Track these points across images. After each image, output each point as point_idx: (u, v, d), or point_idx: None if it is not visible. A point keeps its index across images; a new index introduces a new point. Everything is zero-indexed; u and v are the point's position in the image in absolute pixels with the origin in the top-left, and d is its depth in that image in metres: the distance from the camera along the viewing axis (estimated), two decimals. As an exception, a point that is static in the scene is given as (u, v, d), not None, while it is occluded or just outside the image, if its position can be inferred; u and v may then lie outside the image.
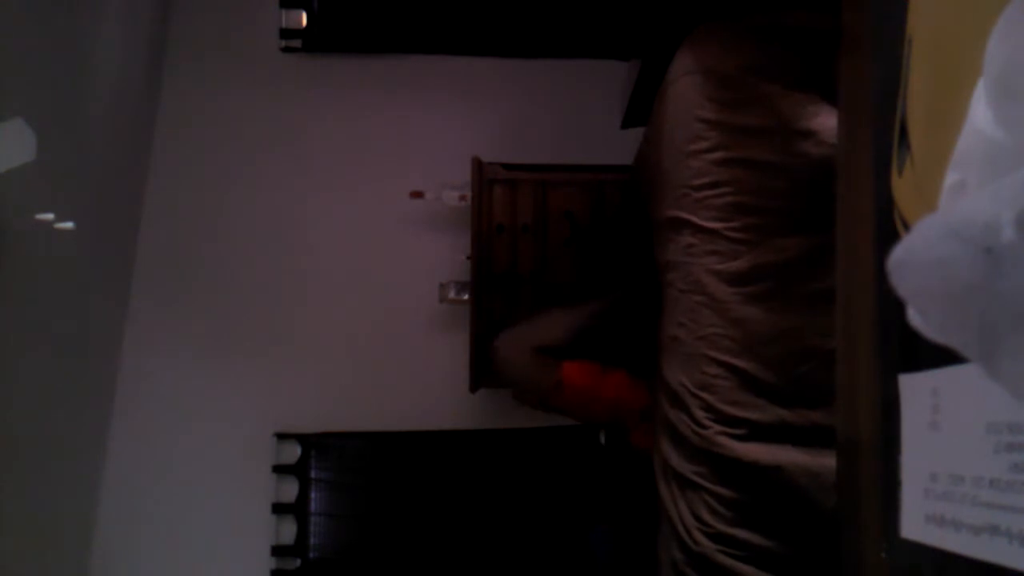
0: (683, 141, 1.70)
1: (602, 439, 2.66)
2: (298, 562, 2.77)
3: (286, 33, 3.00)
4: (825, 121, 1.52)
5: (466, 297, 2.69)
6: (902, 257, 0.40)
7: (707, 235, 1.61)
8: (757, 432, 1.48)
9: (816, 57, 1.54)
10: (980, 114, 0.40)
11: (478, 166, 2.63)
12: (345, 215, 2.94)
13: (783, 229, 1.54)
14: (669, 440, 1.66)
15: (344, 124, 2.98)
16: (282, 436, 2.81)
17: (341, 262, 2.92)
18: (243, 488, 2.77)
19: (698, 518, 1.53)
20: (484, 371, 2.61)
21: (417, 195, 2.79)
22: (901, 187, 0.55)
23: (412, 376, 2.84)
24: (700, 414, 1.56)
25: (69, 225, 2.31)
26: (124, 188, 2.81)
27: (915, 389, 0.52)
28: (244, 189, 2.93)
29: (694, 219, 1.64)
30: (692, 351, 1.61)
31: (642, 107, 2.32)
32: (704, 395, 1.56)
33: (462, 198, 2.72)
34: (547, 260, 2.60)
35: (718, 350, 1.55)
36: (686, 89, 1.74)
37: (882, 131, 0.58)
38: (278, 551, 2.77)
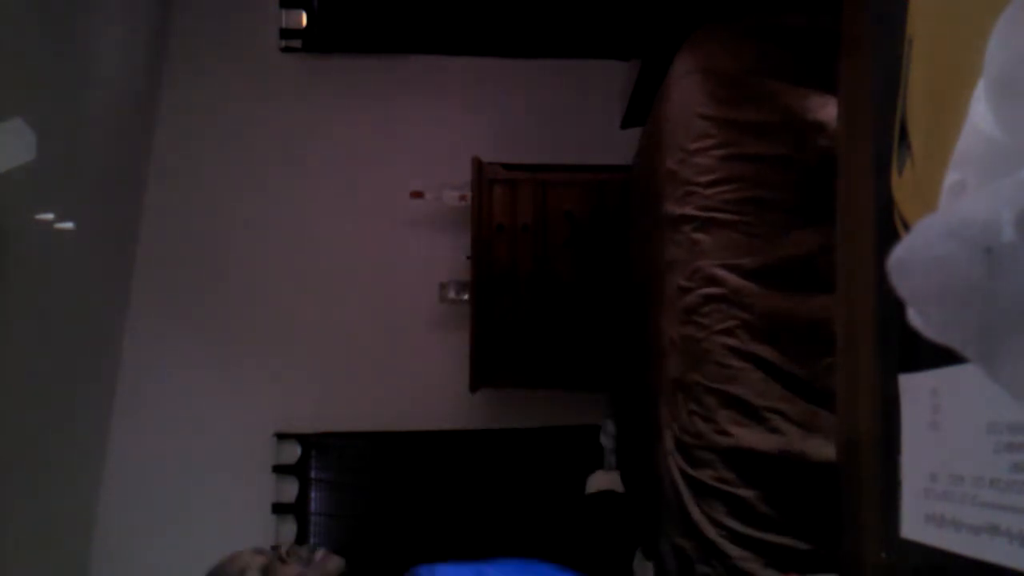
0: (687, 140, 1.70)
1: (601, 438, 2.65)
2: (298, 562, 2.77)
3: (286, 33, 3.00)
4: (833, 112, 1.52)
5: (466, 297, 2.68)
6: (902, 257, 0.40)
7: (719, 230, 1.60)
8: (786, 424, 1.45)
9: (816, 56, 1.54)
10: (980, 114, 0.40)
11: (478, 166, 2.62)
12: (345, 215, 2.94)
13: (800, 222, 1.53)
14: (680, 445, 1.60)
15: (344, 124, 2.98)
16: (282, 436, 2.81)
17: (341, 262, 2.92)
18: (243, 488, 2.77)
19: (721, 525, 1.48)
20: (484, 371, 2.61)
21: (417, 195, 2.79)
22: (901, 187, 0.55)
23: (412, 376, 2.83)
24: (721, 412, 1.51)
25: (69, 225, 2.31)
26: (124, 188, 2.80)
27: (915, 389, 0.52)
28: (244, 189, 2.92)
29: (702, 215, 1.63)
30: (708, 347, 1.56)
31: (642, 107, 2.33)
32: (728, 388, 1.51)
33: (462, 198, 2.72)
34: (547, 260, 2.60)
35: (740, 341, 1.52)
36: (687, 89, 1.74)
37: (882, 131, 0.58)
38: (278, 551, 2.77)
